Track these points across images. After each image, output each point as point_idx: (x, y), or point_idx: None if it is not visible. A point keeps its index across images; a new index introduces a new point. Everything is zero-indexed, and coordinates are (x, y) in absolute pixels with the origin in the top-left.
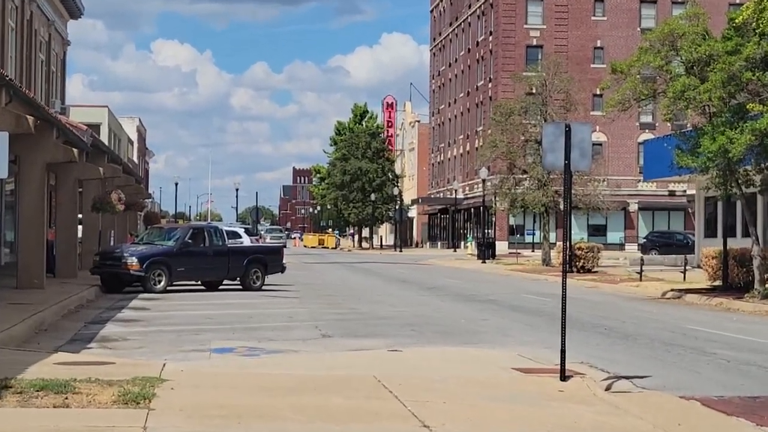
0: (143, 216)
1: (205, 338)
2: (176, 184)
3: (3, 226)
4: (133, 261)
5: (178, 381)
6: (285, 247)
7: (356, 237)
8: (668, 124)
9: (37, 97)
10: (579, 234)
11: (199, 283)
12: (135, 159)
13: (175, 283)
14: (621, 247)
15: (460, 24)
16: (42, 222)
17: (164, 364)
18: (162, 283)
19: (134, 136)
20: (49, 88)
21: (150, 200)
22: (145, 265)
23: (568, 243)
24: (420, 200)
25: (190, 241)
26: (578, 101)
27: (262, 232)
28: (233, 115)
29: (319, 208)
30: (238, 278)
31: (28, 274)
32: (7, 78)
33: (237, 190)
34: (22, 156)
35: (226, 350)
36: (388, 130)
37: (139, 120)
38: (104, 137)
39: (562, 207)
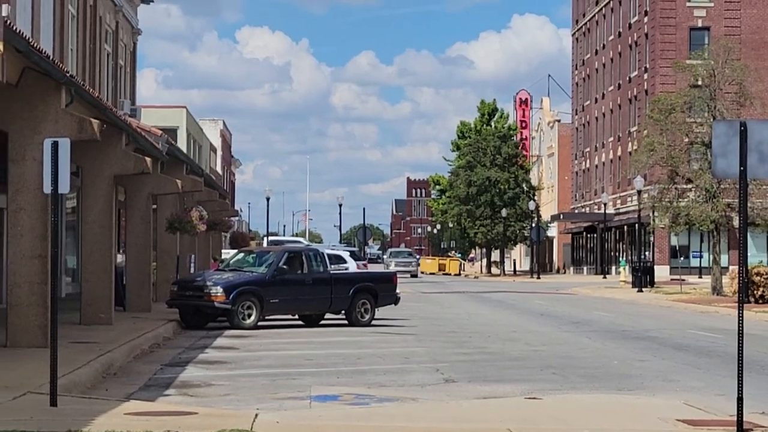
0: (229, 237)
1: (304, 383)
2: (268, 199)
3: (63, 251)
4: (217, 291)
5: None
6: (417, 275)
7: (484, 261)
8: None
9: (103, 96)
10: (757, 256)
11: (297, 317)
12: (219, 169)
13: (267, 317)
14: None
15: (609, 2)
16: (110, 245)
17: (256, 415)
18: (252, 318)
19: (217, 143)
20: (117, 85)
21: (237, 218)
22: (231, 296)
23: (744, 267)
24: (561, 216)
25: (285, 267)
26: (755, 94)
27: (385, 257)
28: (334, 116)
29: (438, 226)
30: (342, 311)
31: (93, 308)
32: (68, 74)
33: (340, 205)
34: (85, 167)
35: (330, 398)
36: (521, 132)
37: (223, 123)
38: (182, 144)
39: (736, 223)
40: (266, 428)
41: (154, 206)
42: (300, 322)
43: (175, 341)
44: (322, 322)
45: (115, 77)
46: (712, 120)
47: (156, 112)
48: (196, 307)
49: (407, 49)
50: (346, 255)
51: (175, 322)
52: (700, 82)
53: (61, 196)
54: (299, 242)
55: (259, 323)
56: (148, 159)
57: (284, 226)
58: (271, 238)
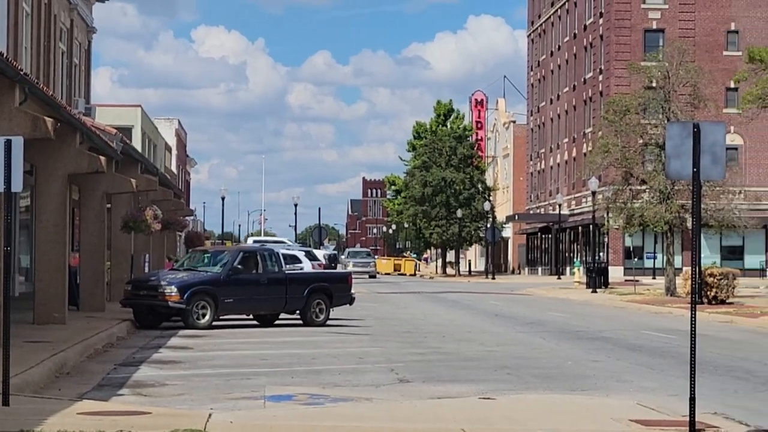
0: (184, 237)
1: (258, 383)
2: (223, 199)
3: (17, 250)
4: (172, 291)
5: None
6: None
7: (439, 261)
8: None
9: (57, 95)
10: (710, 257)
11: (251, 317)
12: (174, 169)
13: (222, 317)
14: (762, 273)
15: (564, 4)
16: (63, 244)
17: (210, 415)
18: (207, 317)
19: (173, 142)
20: (72, 84)
21: (192, 218)
22: (186, 296)
23: (697, 268)
24: (516, 217)
25: (240, 266)
26: (708, 96)
27: (343, 257)
28: (291, 116)
29: (394, 226)
30: (297, 311)
31: (46, 307)
32: (21, 72)
33: (296, 205)
34: (39, 166)
35: (284, 398)
36: (477, 133)
37: (179, 122)
38: (137, 143)
39: (689, 224)
40: (220, 428)
41: (109, 205)
42: (255, 322)
43: (129, 341)
44: (277, 322)
45: (70, 76)
46: (666, 121)
47: (111, 111)
48: (150, 306)
49: (363, 50)
50: (301, 255)
51: (129, 322)
52: (654, 84)
53: (14, 194)
54: (282, 242)
55: (214, 323)
56: (102, 158)
57: (239, 225)
58: (255, 238)
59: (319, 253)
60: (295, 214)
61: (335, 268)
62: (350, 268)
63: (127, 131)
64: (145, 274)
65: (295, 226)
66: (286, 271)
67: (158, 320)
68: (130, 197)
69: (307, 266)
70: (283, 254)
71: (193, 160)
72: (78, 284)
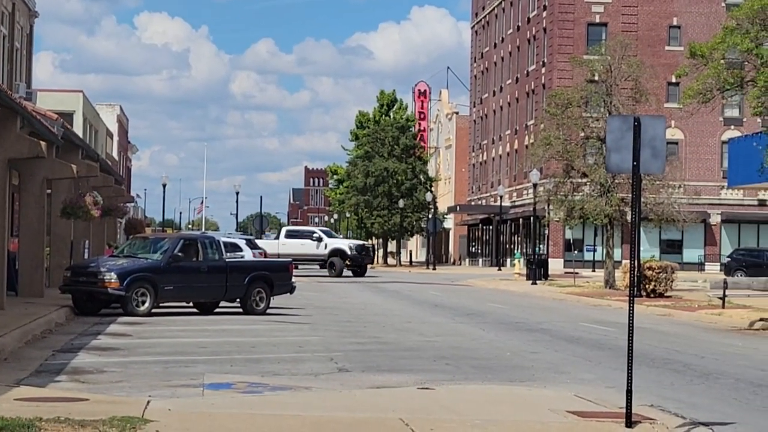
0: (124, 224)
1: (197, 371)
2: (164, 186)
3: None
4: (111, 278)
5: (164, 422)
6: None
7: (380, 251)
8: (758, 120)
9: None
10: (649, 251)
11: (191, 304)
12: (115, 155)
13: (161, 304)
14: (700, 267)
15: None
16: (2, 229)
17: (148, 402)
18: (146, 305)
19: (114, 128)
20: (12, 68)
21: (132, 205)
22: (125, 283)
23: (636, 261)
24: (458, 208)
25: (180, 254)
26: (650, 90)
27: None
28: (233, 104)
29: (336, 216)
30: (237, 299)
31: None
32: None
33: (237, 193)
34: None
35: (223, 386)
36: (420, 124)
37: (120, 108)
38: (78, 128)
39: (629, 218)
40: (158, 415)
41: (49, 191)
42: (195, 310)
43: (67, 327)
44: (217, 310)
45: (11, 60)
46: (607, 115)
47: (52, 96)
48: (89, 293)
49: (307, 38)
50: (242, 243)
51: (68, 308)
52: (596, 78)
53: None
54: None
55: (153, 310)
56: (43, 143)
57: (180, 213)
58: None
59: (344, 243)
60: (237, 202)
61: (363, 262)
62: None
63: (68, 117)
64: (85, 261)
65: (237, 215)
66: (227, 259)
67: (97, 307)
68: (70, 183)
69: (248, 254)
70: (224, 242)
71: (134, 146)
72: (17, 270)
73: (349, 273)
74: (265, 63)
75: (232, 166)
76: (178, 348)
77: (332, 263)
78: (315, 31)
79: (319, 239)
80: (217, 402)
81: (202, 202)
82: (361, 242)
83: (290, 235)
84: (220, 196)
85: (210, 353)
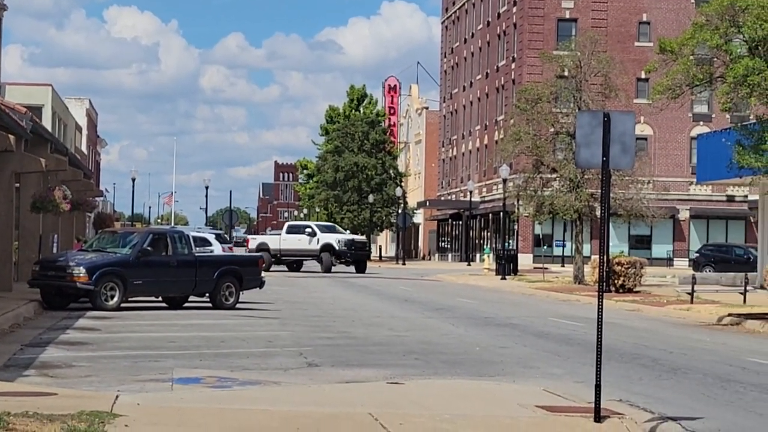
0: (93, 218)
1: (166, 366)
2: (133, 180)
3: None
4: (80, 272)
5: (133, 417)
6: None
7: None
8: (727, 116)
9: None
10: (618, 246)
11: (160, 299)
12: (84, 149)
13: (130, 298)
14: (669, 262)
15: None
16: None
17: (117, 397)
18: (115, 299)
19: (83, 122)
20: None
21: (101, 199)
22: (94, 277)
23: (605, 257)
24: (428, 203)
25: (149, 248)
26: (619, 86)
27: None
28: (203, 98)
29: (305, 211)
30: (207, 294)
31: None
32: None
33: (207, 188)
34: None
35: (192, 380)
36: (390, 119)
37: (90, 102)
38: (47, 122)
39: (598, 213)
40: (127, 410)
41: (17, 185)
42: (164, 305)
43: (36, 321)
44: (186, 304)
45: None
46: (577, 110)
47: (21, 90)
48: (58, 287)
49: (276, 33)
50: (211, 238)
51: (36, 302)
52: (566, 73)
53: None
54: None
55: (122, 305)
56: (11, 136)
57: (150, 207)
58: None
59: (333, 238)
60: (206, 196)
61: (354, 257)
62: None
63: (37, 110)
64: (54, 255)
65: (206, 209)
66: (196, 254)
67: (66, 301)
68: (39, 177)
69: (217, 249)
70: (194, 237)
71: (103, 140)
72: None
73: (350, 269)
74: (235, 57)
75: (201, 160)
76: (147, 342)
77: (321, 258)
78: (284, 26)
79: (312, 234)
80: (186, 396)
81: (171, 195)
82: (350, 237)
83: (291, 230)
84: (189, 191)
85: (179, 348)
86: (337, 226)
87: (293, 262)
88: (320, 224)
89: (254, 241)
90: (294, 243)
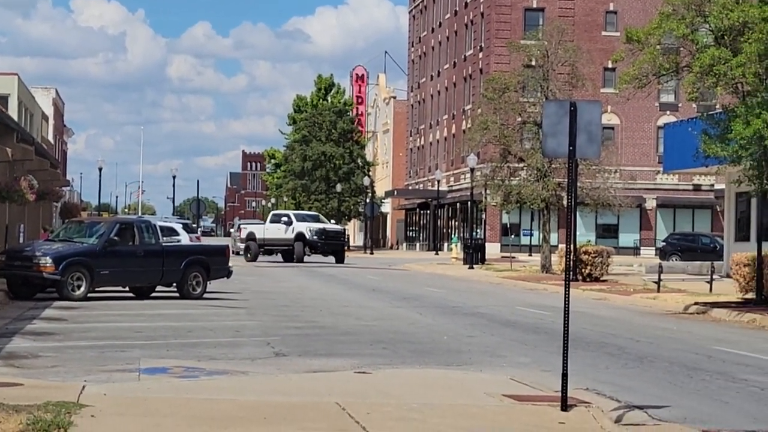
0: (60, 208)
1: (133, 356)
2: (100, 170)
3: None
4: (46, 262)
5: (100, 407)
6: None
7: None
8: (693, 105)
9: None
10: (585, 235)
11: (127, 289)
12: (50, 138)
13: (97, 288)
14: (635, 251)
15: None
16: None
17: (83, 387)
18: (82, 289)
19: (50, 111)
20: None
21: (68, 189)
22: (61, 267)
23: (572, 246)
24: (395, 192)
25: (116, 238)
26: (586, 76)
27: (232, 231)
28: (170, 88)
29: (273, 200)
30: (174, 284)
31: None
32: None
33: (174, 177)
34: None
35: (159, 370)
36: (357, 108)
37: (56, 92)
38: (13, 111)
39: (565, 203)
40: (93, 400)
41: None
42: (131, 295)
43: (2, 311)
44: (153, 294)
45: None
46: (544, 100)
47: None
48: (24, 277)
49: (244, 22)
50: (178, 227)
51: (2, 292)
52: (533, 63)
53: None
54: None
55: (89, 295)
56: None
57: (117, 197)
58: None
59: (305, 226)
60: (174, 186)
61: (327, 245)
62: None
63: (2, 100)
64: (20, 245)
65: (174, 199)
66: (164, 244)
67: (33, 291)
68: (5, 166)
69: (184, 239)
70: (161, 226)
71: (70, 130)
72: None
73: (329, 259)
74: (202, 47)
75: (168, 150)
76: (113, 333)
77: (293, 249)
78: (252, 15)
79: (288, 223)
80: (153, 386)
81: (139, 188)
82: (322, 226)
83: (273, 219)
84: (156, 180)
85: (146, 338)
86: (320, 216)
87: (278, 251)
88: (300, 213)
89: (245, 230)
90: (275, 232)
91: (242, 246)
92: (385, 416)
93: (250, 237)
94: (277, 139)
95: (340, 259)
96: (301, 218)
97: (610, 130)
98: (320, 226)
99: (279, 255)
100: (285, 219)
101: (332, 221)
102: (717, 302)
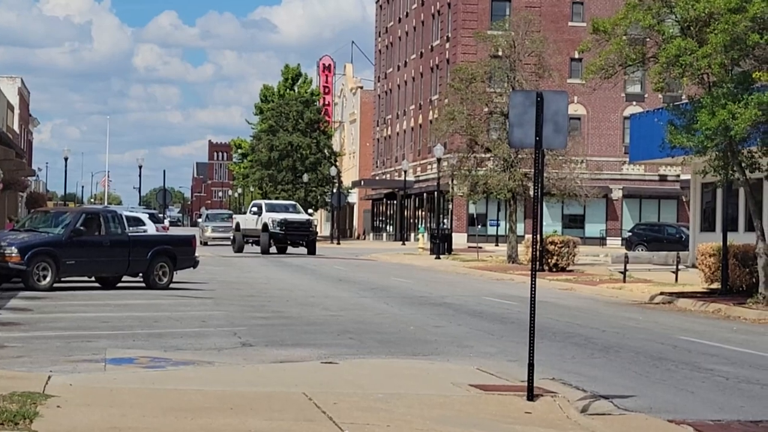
0: (25, 198)
1: (99, 346)
2: (66, 160)
3: None
4: (12, 252)
5: (66, 397)
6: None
7: None
8: (660, 96)
9: None
10: (552, 225)
11: (93, 279)
12: (16, 128)
13: (63, 278)
14: (602, 241)
15: None
16: None
17: (49, 377)
18: (48, 279)
19: (15, 101)
20: None
21: (34, 179)
22: (26, 257)
23: (538, 236)
24: (362, 182)
25: (82, 228)
26: (553, 66)
27: (200, 221)
28: (136, 77)
29: (240, 190)
30: (140, 274)
31: None
32: None
33: (140, 167)
34: None
35: (125, 361)
36: (324, 98)
37: (21, 81)
38: None
39: (532, 193)
40: (59, 391)
41: None
42: (97, 285)
43: None
44: (120, 284)
45: None
46: (511, 90)
47: None
48: None
49: (210, 11)
50: (145, 217)
51: None
52: (500, 53)
53: None
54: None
55: (55, 285)
56: None
57: (83, 187)
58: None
59: (269, 217)
60: (140, 176)
61: (289, 235)
62: (210, 234)
63: None
64: None
65: (140, 189)
66: (130, 234)
67: None
68: None
69: (151, 229)
70: (127, 216)
71: (35, 119)
72: None
73: (301, 250)
74: (168, 36)
75: (135, 139)
76: (80, 323)
77: (258, 240)
78: (218, 4)
79: (258, 213)
80: (119, 377)
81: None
82: (283, 216)
83: (251, 209)
84: (122, 170)
85: (112, 328)
86: (298, 205)
87: (252, 242)
88: (272, 203)
89: (234, 220)
90: (251, 222)
91: (210, 236)
92: (351, 406)
93: (237, 227)
94: (244, 129)
95: (311, 251)
96: (271, 208)
97: (576, 121)
98: (282, 216)
99: (253, 245)
100: (255, 209)
101: (309, 211)
102: (683, 292)
